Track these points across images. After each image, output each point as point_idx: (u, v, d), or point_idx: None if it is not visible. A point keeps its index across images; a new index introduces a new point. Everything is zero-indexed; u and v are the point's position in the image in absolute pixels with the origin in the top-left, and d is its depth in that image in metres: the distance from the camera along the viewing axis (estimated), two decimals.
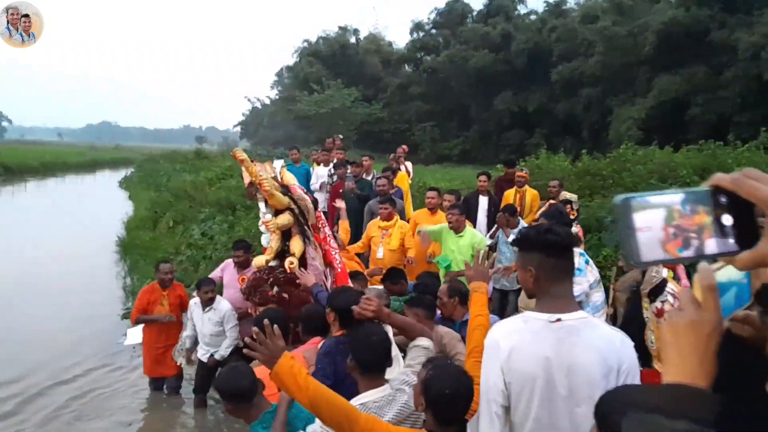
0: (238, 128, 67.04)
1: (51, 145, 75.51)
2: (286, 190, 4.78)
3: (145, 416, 5.83)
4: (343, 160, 8.73)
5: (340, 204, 6.82)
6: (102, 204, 22.46)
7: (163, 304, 5.97)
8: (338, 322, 2.96)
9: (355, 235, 6.90)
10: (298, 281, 4.44)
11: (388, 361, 2.51)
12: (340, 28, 47.01)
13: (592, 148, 15.92)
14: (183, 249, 10.54)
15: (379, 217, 6.73)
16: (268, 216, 4.68)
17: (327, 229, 5.18)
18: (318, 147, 15.46)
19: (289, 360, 2.20)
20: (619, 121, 24.76)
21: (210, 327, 5.59)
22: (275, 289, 4.56)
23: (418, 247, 6.39)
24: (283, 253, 4.74)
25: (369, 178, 8.50)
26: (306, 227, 4.83)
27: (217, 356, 5.60)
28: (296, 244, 4.71)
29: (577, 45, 28.91)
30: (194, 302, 5.71)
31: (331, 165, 8.93)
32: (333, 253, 4.99)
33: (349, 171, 8.66)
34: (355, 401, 2.35)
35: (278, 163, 5.13)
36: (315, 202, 5.34)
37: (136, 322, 6.09)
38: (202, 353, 5.72)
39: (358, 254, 6.47)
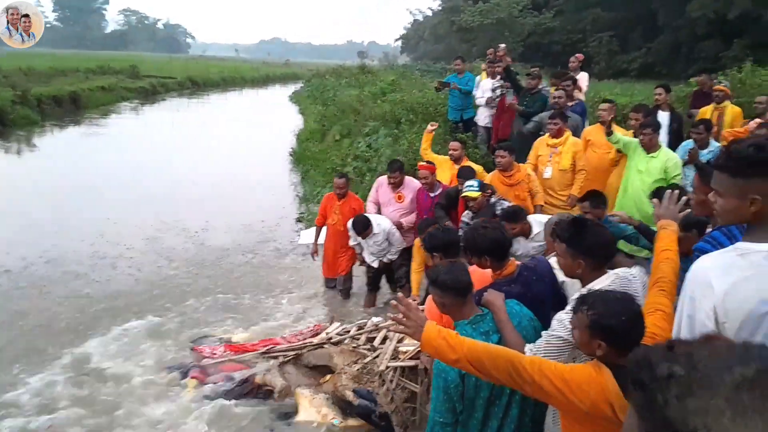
0: (399, 42, 66.75)
1: (228, 61, 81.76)
2: None
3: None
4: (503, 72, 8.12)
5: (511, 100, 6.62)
6: (275, 117, 24.09)
7: (336, 212, 6.36)
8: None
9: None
10: None
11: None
12: None
13: None
14: (349, 161, 10.96)
15: (548, 134, 6.31)
16: None
17: None
18: (481, 60, 14.87)
19: (435, 326, 2.14)
20: None
21: (374, 247, 5.99)
22: None
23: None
24: None
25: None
26: None
27: (385, 260, 6.07)
28: None
29: None
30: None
31: (498, 77, 8.48)
32: None
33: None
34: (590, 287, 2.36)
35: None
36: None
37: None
38: (371, 260, 6.08)
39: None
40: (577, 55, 9.03)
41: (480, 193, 4.94)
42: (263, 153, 15.81)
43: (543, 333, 2.43)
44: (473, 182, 5.06)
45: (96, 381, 4.84)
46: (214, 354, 5.00)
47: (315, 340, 4.81)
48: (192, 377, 4.73)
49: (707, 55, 28.10)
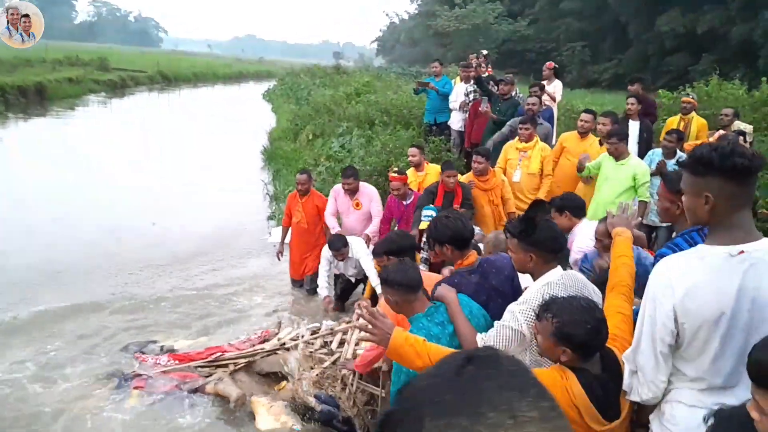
0: (375, 45, 66.87)
1: (201, 56, 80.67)
2: None
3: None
4: (489, 78, 8.26)
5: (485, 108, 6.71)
6: (247, 114, 23.82)
7: (299, 210, 6.31)
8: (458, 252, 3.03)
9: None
10: None
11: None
12: None
13: None
14: (322, 160, 10.90)
15: (518, 138, 6.39)
16: None
17: None
18: (456, 65, 14.99)
19: (403, 333, 2.22)
20: None
21: (351, 270, 5.86)
22: None
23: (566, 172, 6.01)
24: None
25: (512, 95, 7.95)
26: None
27: (359, 276, 5.91)
28: None
29: None
30: (328, 256, 5.76)
31: (472, 82, 8.55)
32: None
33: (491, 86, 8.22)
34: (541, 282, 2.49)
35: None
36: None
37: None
38: (351, 273, 5.91)
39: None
40: (548, 63, 9.15)
41: None
42: (234, 151, 15.59)
43: (495, 323, 2.53)
44: (431, 212, 5.09)
45: (28, 390, 4.48)
46: (158, 363, 4.71)
47: (267, 347, 4.68)
48: (134, 387, 4.45)
49: (676, 67, 28.84)
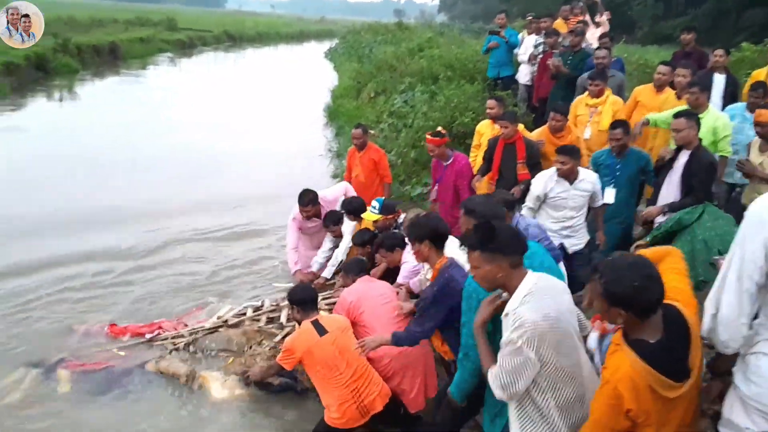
0: (436, 2, 65.33)
1: (264, 16, 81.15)
2: None
3: None
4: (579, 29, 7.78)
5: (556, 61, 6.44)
6: (310, 73, 23.97)
7: (357, 164, 6.38)
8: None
9: None
10: None
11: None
12: None
13: None
14: (384, 117, 10.90)
15: (587, 93, 6.16)
16: None
17: None
18: (521, 21, 14.47)
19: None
20: None
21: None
22: None
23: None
24: None
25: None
26: None
27: None
28: None
29: None
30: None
31: (543, 33, 8.27)
32: None
33: (561, 39, 7.93)
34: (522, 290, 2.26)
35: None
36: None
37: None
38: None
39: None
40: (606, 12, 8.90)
41: (381, 216, 4.88)
42: (298, 109, 15.81)
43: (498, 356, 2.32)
44: (375, 204, 4.98)
45: None
46: (89, 333, 4.60)
47: (207, 325, 4.66)
48: (62, 368, 4.20)
49: (754, 23, 26.67)
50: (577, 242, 4.77)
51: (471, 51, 11.77)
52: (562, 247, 4.54)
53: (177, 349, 4.44)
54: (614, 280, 1.93)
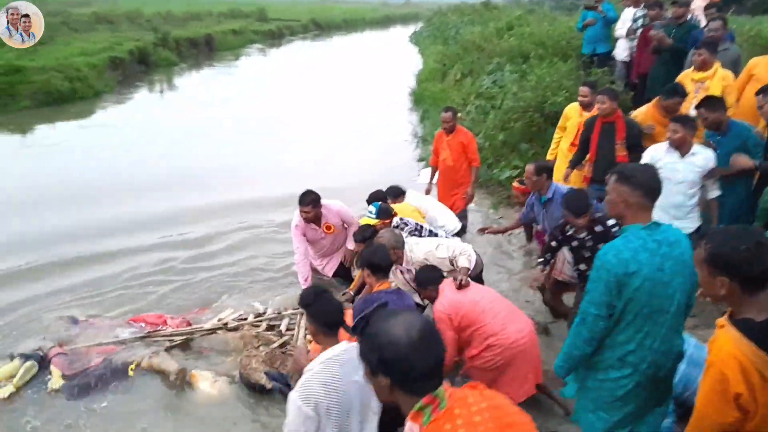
0: None
1: (350, 4, 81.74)
2: None
3: None
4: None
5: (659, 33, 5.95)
6: (395, 57, 23.90)
7: (445, 148, 6.20)
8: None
9: None
10: None
11: None
12: None
13: None
14: (472, 99, 10.63)
15: (692, 67, 5.60)
16: None
17: None
18: None
19: None
20: None
21: (351, 244, 5.36)
22: None
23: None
24: None
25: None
26: None
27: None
28: None
29: None
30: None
31: (643, 5, 7.67)
32: None
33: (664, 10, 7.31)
34: None
35: None
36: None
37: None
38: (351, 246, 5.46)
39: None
40: None
41: (378, 220, 4.65)
42: (384, 94, 15.81)
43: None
44: (372, 209, 4.75)
45: None
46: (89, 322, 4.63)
47: (207, 326, 4.66)
48: (51, 360, 4.18)
49: None
50: (685, 225, 4.35)
51: (564, 27, 11.19)
52: None
53: (172, 347, 4.45)
54: (721, 243, 1.80)
